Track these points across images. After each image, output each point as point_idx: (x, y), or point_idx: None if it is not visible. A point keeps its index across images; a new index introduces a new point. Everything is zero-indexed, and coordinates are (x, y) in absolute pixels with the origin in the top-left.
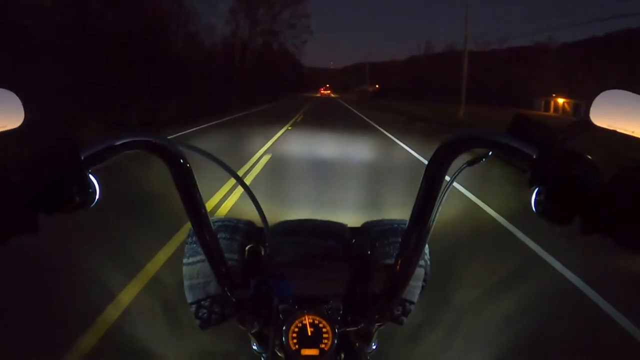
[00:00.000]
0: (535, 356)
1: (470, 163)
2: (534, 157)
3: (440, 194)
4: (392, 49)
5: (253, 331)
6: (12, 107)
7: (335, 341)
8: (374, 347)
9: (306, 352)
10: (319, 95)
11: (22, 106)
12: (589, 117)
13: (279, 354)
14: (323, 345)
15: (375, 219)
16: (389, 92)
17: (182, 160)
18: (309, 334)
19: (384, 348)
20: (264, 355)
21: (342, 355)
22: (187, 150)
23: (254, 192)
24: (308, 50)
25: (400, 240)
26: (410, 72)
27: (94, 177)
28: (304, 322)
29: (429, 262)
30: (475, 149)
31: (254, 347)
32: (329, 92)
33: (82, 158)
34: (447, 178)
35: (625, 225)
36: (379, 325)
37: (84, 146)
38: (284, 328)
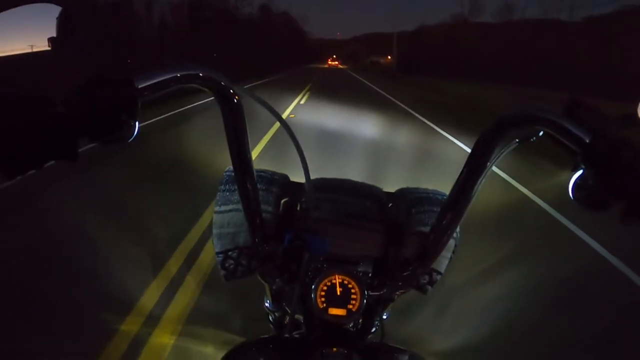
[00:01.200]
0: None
1: (521, 140)
2: (587, 141)
3: (485, 169)
4: (404, 19)
5: (274, 287)
6: (62, 25)
7: (364, 303)
8: (385, 316)
9: (333, 311)
10: (326, 66)
11: (73, 26)
12: (637, 112)
13: (296, 316)
14: (351, 306)
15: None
16: (413, 66)
17: (235, 100)
18: (338, 293)
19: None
20: (276, 313)
21: (360, 319)
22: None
23: None
24: (314, 20)
25: (435, 209)
26: (446, 40)
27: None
28: (333, 281)
29: (459, 235)
30: (530, 126)
31: (267, 304)
32: (336, 62)
33: (138, 87)
34: None
35: None
36: (402, 292)
37: (140, 75)
38: (313, 286)
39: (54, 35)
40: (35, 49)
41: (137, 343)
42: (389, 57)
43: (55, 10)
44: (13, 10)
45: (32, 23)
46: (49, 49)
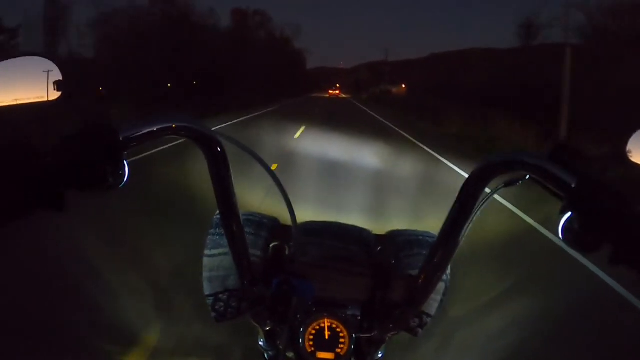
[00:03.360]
0: None
1: (507, 184)
2: (573, 185)
3: (473, 213)
4: (410, 47)
5: (266, 328)
6: (52, 78)
7: (352, 347)
8: (380, 354)
9: (322, 355)
10: (326, 96)
11: (62, 78)
12: (625, 153)
13: (288, 355)
14: (339, 350)
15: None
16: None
17: (219, 149)
18: (326, 337)
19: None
20: (270, 352)
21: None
22: (223, 140)
23: None
24: (315, 49)
25: (424, 252)
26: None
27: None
28: (322, 325)
29: (449, 277)
30: (514, 171)
31: (260, 344)
32: (337, 92)
33: (121, 139)
34: None
35: None
36: (393, 334)
37: (123, 128)
38: (301, 329)
39: (43, 87)
40: (21, 102)
41: None
42: (403, 85)
43: (44, 63)
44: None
45: (20, 76)
46: (38, 100)
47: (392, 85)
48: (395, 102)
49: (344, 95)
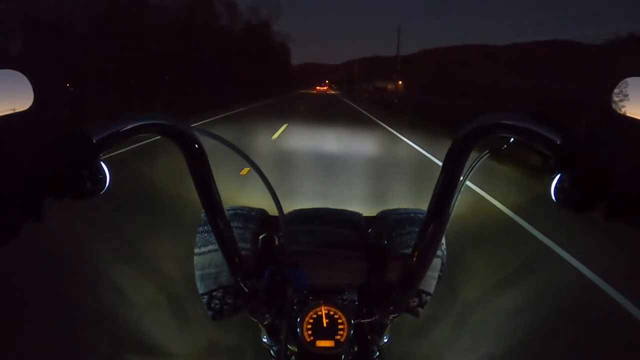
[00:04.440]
0: None
1: (492, 150)
2: (558, 142)
3: (459, 182)
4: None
5: (265, 323)
6: (21, 88)
7: (351, 332)
8: (386, 339)
9: (321, 343)
10: (314, 92)
11: (31, 88)
12: (610, 104)
13: (290, 347)
14: (338, 337)
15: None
16: None
17: (196, 145)
18: (324, 325)
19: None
20: (274, 347)
21: (355, 348)
22: (201, 135)
23: None
24: (304, 45)
25: (416, 229)
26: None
27: (104, 163)
28: (319, 313)
29: (445, 253)
30: (498, 135)
31: (264, 340)
32: (325, 88)
33: (94, 142)
34: None
35: None
36: (394, 317)
37: (95, 130)
38: (298, 319)
39: (14, 101)
40: None
41: None
42: (400, 82)
43: (12, 75)
44: None
45: None
46: (8, 113)
47: (387, 81)
48: (405, 104)
49: (332, 92)
